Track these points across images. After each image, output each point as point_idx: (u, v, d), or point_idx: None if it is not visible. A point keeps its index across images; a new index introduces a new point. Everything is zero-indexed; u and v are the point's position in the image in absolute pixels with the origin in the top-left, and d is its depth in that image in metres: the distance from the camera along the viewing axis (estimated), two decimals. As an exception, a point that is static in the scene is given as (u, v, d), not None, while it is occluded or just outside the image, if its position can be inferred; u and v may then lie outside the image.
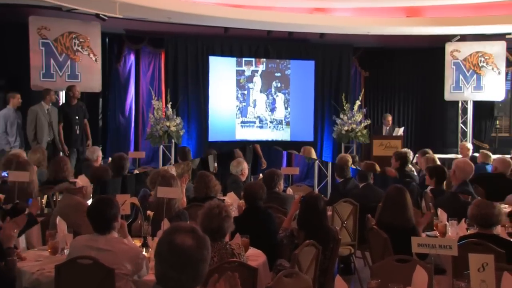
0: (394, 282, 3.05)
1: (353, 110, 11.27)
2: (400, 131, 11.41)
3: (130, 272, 3.50)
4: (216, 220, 3.68)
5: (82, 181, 6.51)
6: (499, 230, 4.44)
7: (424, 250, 2.93)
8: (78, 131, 9.32)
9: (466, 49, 11.78)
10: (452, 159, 10.18)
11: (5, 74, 9.60)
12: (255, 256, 4.15)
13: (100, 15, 9.00)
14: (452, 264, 4.04)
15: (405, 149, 8.80)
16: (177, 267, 2.08)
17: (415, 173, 8.05)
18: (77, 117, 9.31)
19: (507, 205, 5.79)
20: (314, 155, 9.09)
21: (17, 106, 8.84)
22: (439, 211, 5.24)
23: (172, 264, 2.08)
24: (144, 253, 3.81)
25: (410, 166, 8.23)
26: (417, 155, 8.75)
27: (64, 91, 9.78)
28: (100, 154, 7.80)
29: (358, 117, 11.22)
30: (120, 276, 3.43)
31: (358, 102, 11.38)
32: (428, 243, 2.94)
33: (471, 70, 11.77)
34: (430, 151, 8.39)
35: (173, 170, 6.34)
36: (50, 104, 9.12)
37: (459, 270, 3.68)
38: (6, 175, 5.35)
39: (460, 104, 12.29)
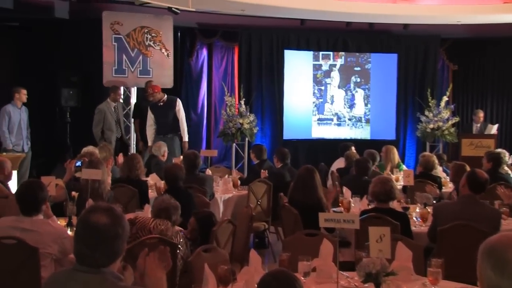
0: (304, 254, 3.43)
1: (440, 107, 11.02)
2: (493, 128, 10.78)
3: (56, 252, 3.74)
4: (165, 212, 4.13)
5: (153, 179, 6.48)
6: (395, 205, 5.04)
7: (329, 224, 3.21)
8: None
9: None
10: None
11: (79, 70, 9.81)
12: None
13: (173, 9, 9.03)
14: (355, 236, 4.60)
15: (499, 149, 8.19)
16: (90, 245, 2.22)
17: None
18: None
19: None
20: (396, 155, 8.86)
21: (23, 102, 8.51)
22: (344, 189, 5.94)
23: (86, 241, 2.23)
24: (69, 232, 4.13)
25: (505, 168, 7.63)
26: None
27: (135, 88, 9.90)
28: (166, 149, 7.76)
29: (445, 114, 10.94)
30: (44, 255, 3.65)
31: (445, 98, 11.17)
32: (334, 218, 3.21)
33: None
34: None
35: (97, 153, 6.65)
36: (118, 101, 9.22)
37: (361, 242, 4.12)
38: (80, 164, 5.66)
39: (562, 100, 11.44)
